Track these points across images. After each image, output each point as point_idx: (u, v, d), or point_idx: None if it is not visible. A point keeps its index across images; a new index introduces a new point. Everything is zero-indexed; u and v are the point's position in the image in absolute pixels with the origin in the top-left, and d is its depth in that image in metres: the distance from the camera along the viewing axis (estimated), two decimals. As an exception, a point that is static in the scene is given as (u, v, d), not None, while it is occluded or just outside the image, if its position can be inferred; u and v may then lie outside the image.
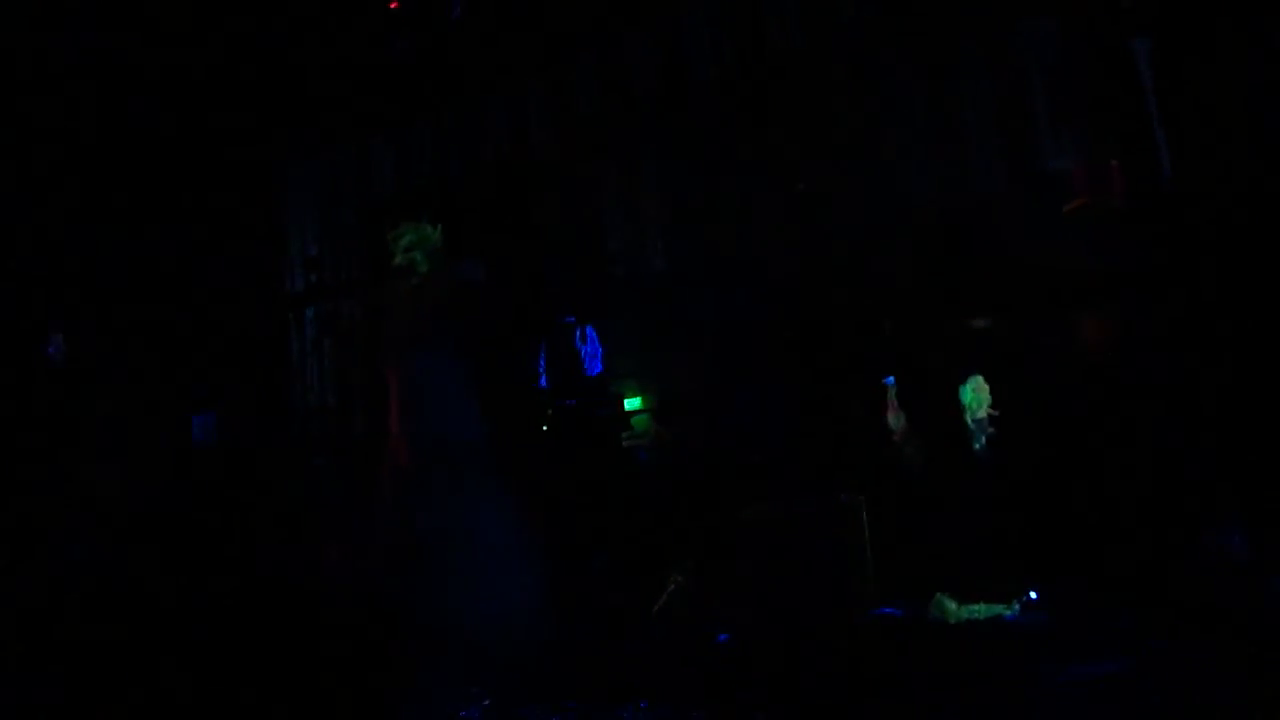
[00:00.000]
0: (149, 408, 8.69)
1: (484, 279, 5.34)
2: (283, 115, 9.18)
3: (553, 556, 5.25)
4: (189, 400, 9.24)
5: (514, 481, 5.03)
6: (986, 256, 6.70)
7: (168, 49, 8.28)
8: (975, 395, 6.09)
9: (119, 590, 6.54)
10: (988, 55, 6.92)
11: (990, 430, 6.04)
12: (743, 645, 5.20)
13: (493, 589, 4.83)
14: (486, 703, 4.68)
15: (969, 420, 6.08)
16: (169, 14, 7.95)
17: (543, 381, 8.06)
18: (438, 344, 5.11)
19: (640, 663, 5.17)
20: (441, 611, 4.91)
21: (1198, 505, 5.06)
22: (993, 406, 6.08)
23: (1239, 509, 4.86)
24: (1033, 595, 5.27)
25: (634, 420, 7.80)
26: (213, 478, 8.87)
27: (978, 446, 6.03)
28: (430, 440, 4.97)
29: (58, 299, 8.49)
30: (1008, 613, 5.14)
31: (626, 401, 7.82)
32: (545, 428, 7.87)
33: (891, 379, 6.53)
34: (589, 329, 7.17)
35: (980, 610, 5.20)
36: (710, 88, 7.58)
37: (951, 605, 5.28)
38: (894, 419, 6.42)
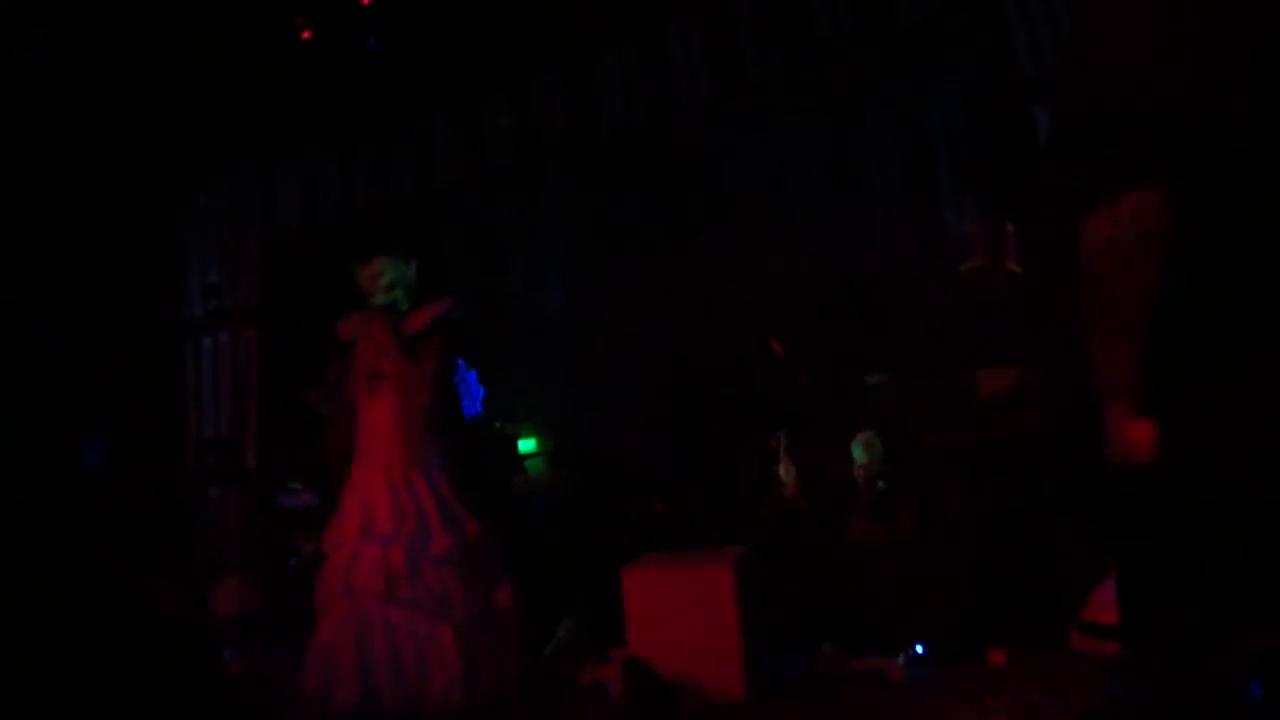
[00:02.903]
0: (37, 424, 8.48)
1: (467, 316, 5.33)
2: (186, 142, 9.05)
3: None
4: (79, 420, 9.03)
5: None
6: (884, 313, 6.81)
7: (74, 70, 8.14)
8: (866, 451, 6.16)
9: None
10: (893, 117, 7.06)
11: (880, 485, 6.11)
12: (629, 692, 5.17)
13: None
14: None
15: (859, 475, 6.15)
16: (75, 38, 7.82)
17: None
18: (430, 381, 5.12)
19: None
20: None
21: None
22: (883, 462, 6.14)
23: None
24: (919, 649, 5.30)
25: (528, 464, 7.76)
26: (100, 499, 8.67)
27: (867, 502, 6.09)
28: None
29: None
30: (893, 669, 5.17)
31: (521, 444, 7.78)
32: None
33: (784, 431, 6.58)
34: (470, 372, 7.10)
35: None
36: (618, 134, 7.60)
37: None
38: (785, 471, 6.46)
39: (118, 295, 9.09)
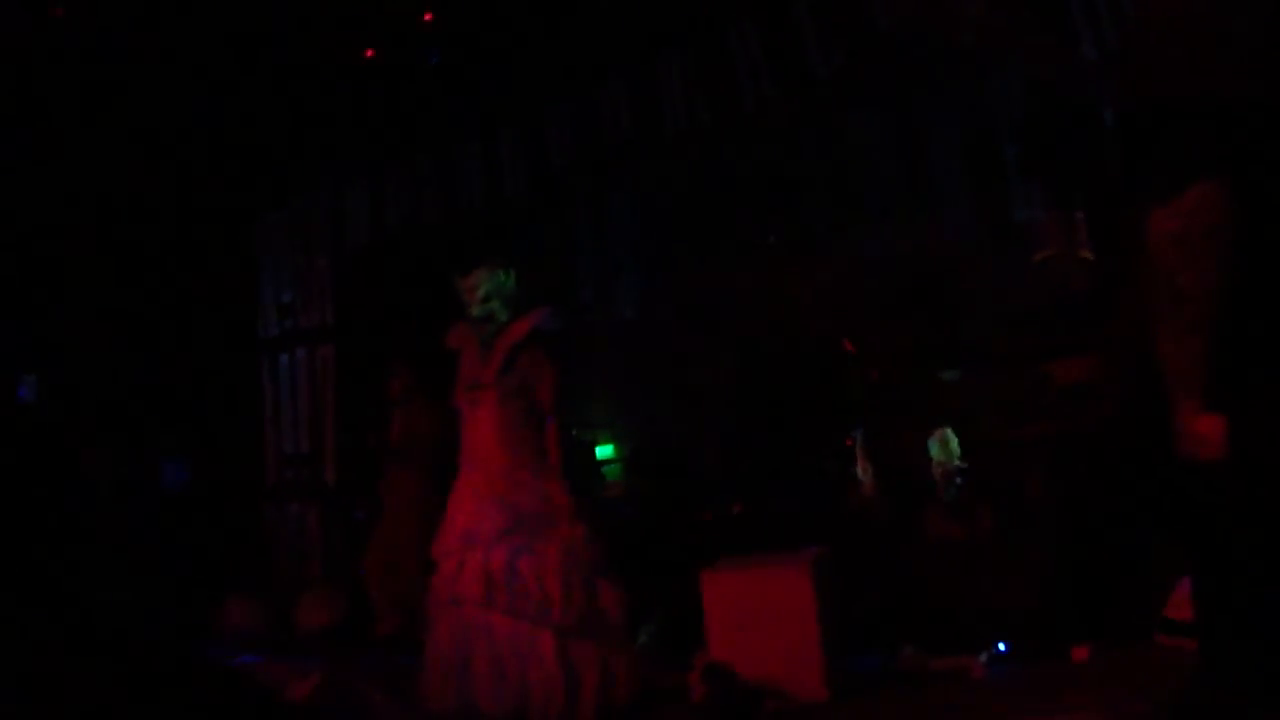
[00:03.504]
0: (121, 452, 8.65)
1: (562, 328, 5.40)
2: (258, 162, 9.19)
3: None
4: (161, 446, 9.21)
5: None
6: (955, 307, 6.76)
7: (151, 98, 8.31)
8: (943, 448, 6.11)
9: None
10: (956, 108, 7.00)
11: (958, 482, 6.06)
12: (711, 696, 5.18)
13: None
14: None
15: (936, 472, 6.10)
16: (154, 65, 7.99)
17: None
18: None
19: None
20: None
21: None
22: (961, 459, 6.09)
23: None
24: (1001, 647, 5.26)
25: (606, 470, 7.80)
26: (183, 522, 8.83)
27: (946, 499, 6.04)
28: None
29: (31, 341, 8.48)
30: (974, 667, 5.13)
31: (599, 450, 7.82)
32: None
33: (860, 430, 6.55)
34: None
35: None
36: (683, 139, 7.60)
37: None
38: (862, 471, 6.43)
39: (196, 318, 9.27)
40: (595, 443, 7.82)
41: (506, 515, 5.00)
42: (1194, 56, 1.77)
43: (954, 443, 6.13)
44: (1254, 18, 1.73)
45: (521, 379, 5.19)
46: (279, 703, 4.06)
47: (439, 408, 6.61)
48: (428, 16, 8.01)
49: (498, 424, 5.16)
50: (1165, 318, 1.81)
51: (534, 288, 6.76)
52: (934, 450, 6.15)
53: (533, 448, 5.23)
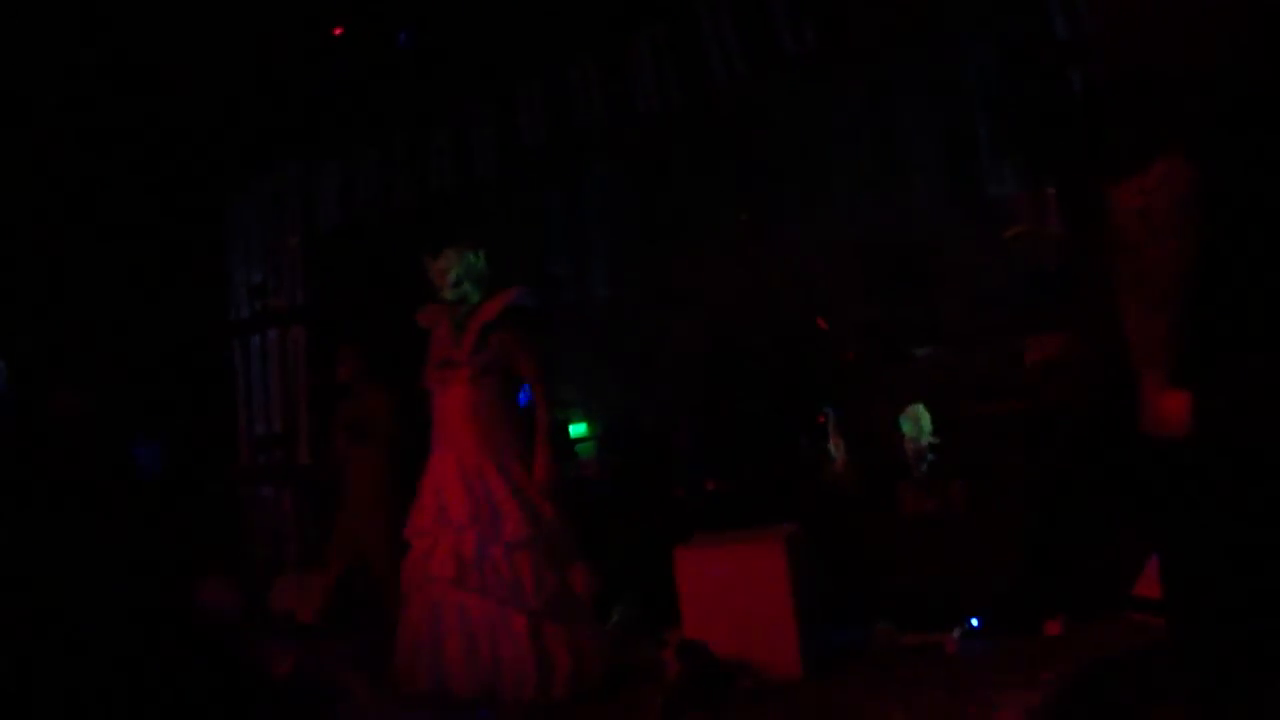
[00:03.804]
0: (93, 437, 8.58)
1: (537, 306, 5.41)
2: (226, 143, 9.12)
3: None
4: (133, 430, 9.14)
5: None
6: (927, 284, 6.77)
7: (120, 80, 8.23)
8: (914, 424, 6.13)
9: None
10: (929, 85, 6.99)
11: (930, 458, 6.07)
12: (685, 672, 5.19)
13: None
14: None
15: (908, 449, 6.12)
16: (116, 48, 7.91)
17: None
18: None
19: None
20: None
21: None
22: (933, 435, 6.11)
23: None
24: (974, 622, 5.29)
25: (579, 448, 7.79)
26: (159, 508, 8.77)
27: (918, 475, 6.06)
28: None
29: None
30: (948, 642, 5.16)
31: (571, 429, 7.81)
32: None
33: (832, 407, 6.56)
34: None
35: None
36: (654, 117, 7.57)
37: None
38: (835, 447, 6.44)
39: (165, 300, 9.19)
40: (568, 421, 7.81)
41: (477, 500, 5.00)
42: (1159, 30, 1.77)
43: (926, 419, 6.14)
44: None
45: (495, 357, 5.19)
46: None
47: (389, 390, 6.78)
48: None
49: (468, 402, 5.16)
50: (1130, 293, 1.81)
51: (506, 268, 6.76)
52: (906, 427, 6.16)
53: (504, 428, 5.23)
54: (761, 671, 4.95)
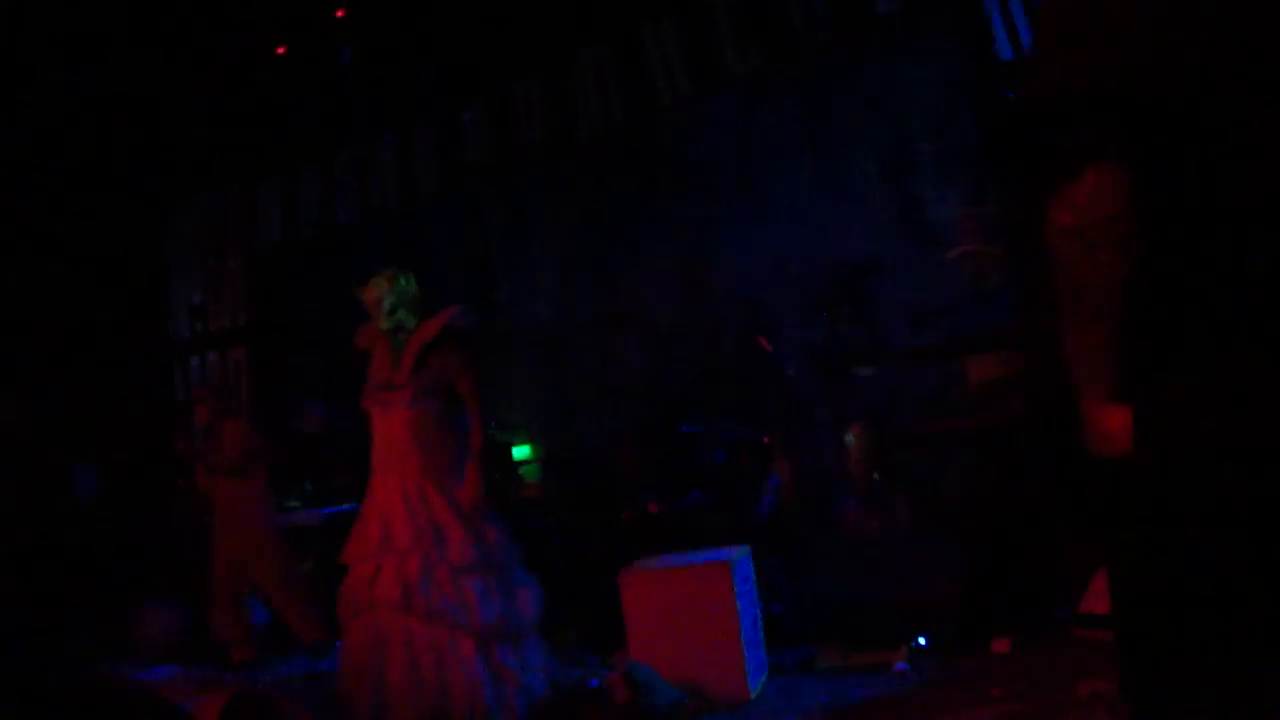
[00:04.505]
0: (31, 457, 8.44)
1: (475, 325, 5.33)
2: (168, 158, 9.02)
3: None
4: (71, 450, 9.00)
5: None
6: (870, 304, 6.79)
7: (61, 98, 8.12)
8: (860, 443, 6.12)
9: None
10: (871, 106, 7.03)
11: (875, 477, 6.08)
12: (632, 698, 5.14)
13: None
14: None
15: (853, 468, 6.11)
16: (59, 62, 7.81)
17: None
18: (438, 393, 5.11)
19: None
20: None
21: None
22: (878, 454, 6.11)
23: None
24: (921, 641, 5.29)
25: (522, 470, 7.74)
26: (94, 529, 8.64)
27: (863, 494, 6.06)
28: None
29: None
30: (895, 661, 5.15)
31: (515, 450, 7.75)
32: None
33: (777, 427, 6.55)
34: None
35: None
36: (597, 140, 7.57)
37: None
38: (780, 468, 6.43)
39: (103, 322, 9.06)
40: (512, 443, 7.75)
41: (420, 524, 4.93)
42: (1090, 46, 1.76)
43: (870, 437, 6.14)
44: (1149, 9, 1.73)
45: (434, 379, 5.12)
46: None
47: (247, 427, 7.20)
48: (339, 13, 7.91)
49: (409, 425, 5.09)
50: (1068, 310, 1.80)
51: (450, 288, 6.71)
52: (851, 446, 6.16)
53: (446, 450, 5.16)
54: (709, 694, 4.91)
